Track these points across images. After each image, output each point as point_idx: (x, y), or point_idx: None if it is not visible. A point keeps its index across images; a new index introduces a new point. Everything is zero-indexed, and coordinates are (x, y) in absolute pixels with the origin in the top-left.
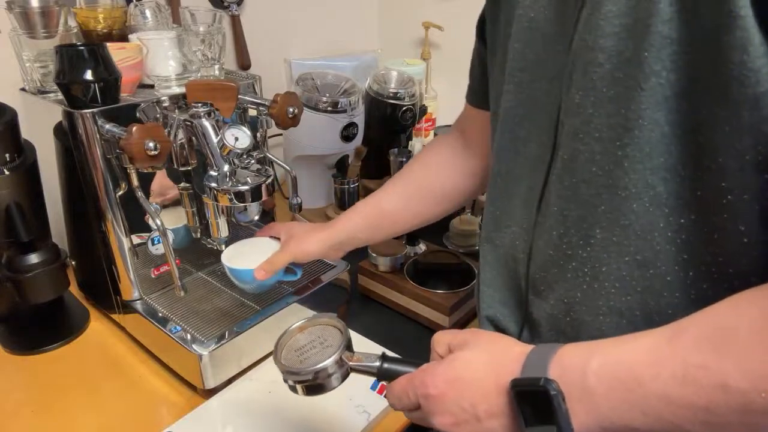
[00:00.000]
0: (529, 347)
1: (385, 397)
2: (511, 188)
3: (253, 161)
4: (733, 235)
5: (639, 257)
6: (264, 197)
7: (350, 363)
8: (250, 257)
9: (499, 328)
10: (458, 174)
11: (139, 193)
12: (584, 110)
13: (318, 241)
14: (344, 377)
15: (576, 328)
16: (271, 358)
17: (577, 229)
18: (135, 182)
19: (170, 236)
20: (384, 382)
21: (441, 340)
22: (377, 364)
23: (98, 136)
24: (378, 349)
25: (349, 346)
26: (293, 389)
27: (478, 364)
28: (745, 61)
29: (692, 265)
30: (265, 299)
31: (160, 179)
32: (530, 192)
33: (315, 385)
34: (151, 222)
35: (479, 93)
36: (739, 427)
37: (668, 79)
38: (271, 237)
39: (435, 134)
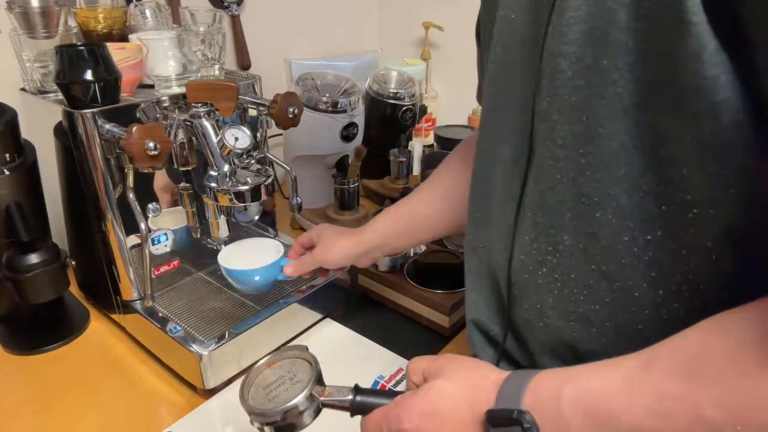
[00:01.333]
0: (504, 375)
1: None
2: (490, 191)
3: (253, 161)
4: (701, 251)
5: (604, 268)
6: (264, 197)
7: (321, 398)
8: (247, 257)
9: (484, 332)
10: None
11: (131, 195)
12: (550, 116)
13: (345, 248)
14: (317, 413)
15: (551, 334)
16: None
17: (546, 235)
18: (130, 183)
19: (170, 237)
20: (358, 415)
21: (416, 368)
22: (350, 397)
23: (98, 136)
24: (378, 349)
25: (320, 380)
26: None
27: (453, 394)
28: (700, 70)
29: (661, 283)
30: (265, 299)
31: (161, 179)
32: (507, 196)
33: (285, 426)
34: (142, 225)
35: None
36: None
37: (626, 88)
38: (268, 237)
39: (435, 134)
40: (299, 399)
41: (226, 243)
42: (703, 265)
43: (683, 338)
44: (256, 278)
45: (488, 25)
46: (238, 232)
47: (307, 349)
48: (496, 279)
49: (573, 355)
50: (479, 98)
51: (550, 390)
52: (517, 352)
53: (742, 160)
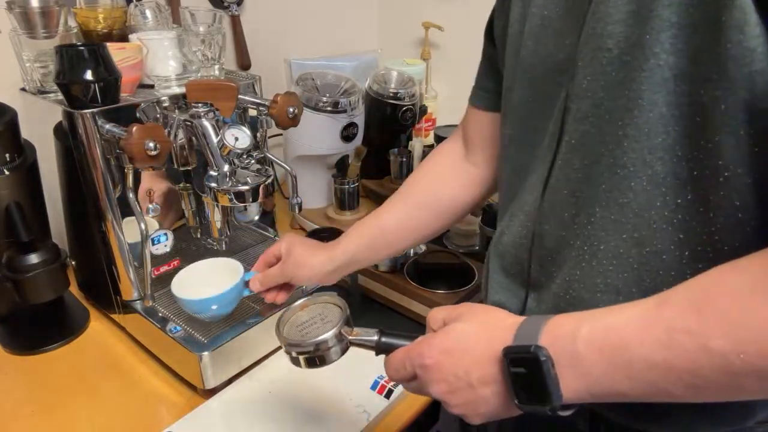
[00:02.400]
0: (522, 318)
1: (385, 370)
2: (526, 179)
3: (253, 161)
4: (729, 211)
5: (636, 235)
6: (264, 197)
7: (349, 337)
8: (204, 283)
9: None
10: (458, 185)
11: (131, 195)
12: (594, 94)
13: (315, 266)
14: (344, 351)
15: (575, 306)
16: (270, 358)
17: (578, 209)
18: (130, 183)
19: (170, 237)
20: (383, 355)
21: (436, 316)
22: (375, 338)
23: (98, 136)
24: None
25: (348, 322)
26: (296, 362)
27: (472, 334)
28: (742, 41)
29: (688, 245)
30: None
31: (156, 179)
32: (538, 179)
33: (316, 357)
34: (141, 225)
35: (484, 94)
36: (726, 390)
37: (667, 61)
38: (225, 258)
39: (435, 134)
40: (330, 334)
41: (225, 243)
42: (728, 225)
43: (696, 279)
44: (214, 307)
45: (511, 21)
46: (238, 232)
47: (337, 294)
48: (519, 260)
49: None
50: (474, 100)
51: (566, 329)
52: None
53: None
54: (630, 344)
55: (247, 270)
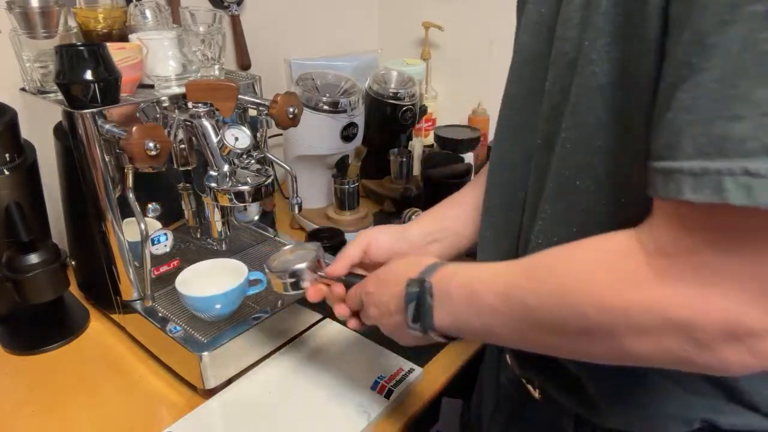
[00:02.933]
0: (430, 261)
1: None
2: (509, 176)
3: (253, 161)
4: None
5: (585, 231)
6: (264, 197)
7: (318, 273)
8: (208, 281)
9: None
10: None
11: (131, 195)
12: (554, 96)
13: (388, 231)
14: (315, 280)
15: None
16: (270, 358)
17: (534, 207)
18: (129, 183)
19: (170, 237)
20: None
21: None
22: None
23: (98, 136)
24: (377, 349)
25: (319, 262)
26: (282, 287)
27: (399, 268)
28: (658, 60)
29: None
30: (265, 299)
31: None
32: (521, 177)
33: (293, 282)
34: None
35: None
36: (533, 335)
37: (602, 68)
38: (229, 258)
39: (435, 134)
40: (302, 266)
41: (225, 243)
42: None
43: (546, 252)
44: (217, 306)
45: (519, 16)
46: (238, 233)
47: (320, 246)
48: (510, 249)
49: None
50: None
51: (449, 272)
52: None
53: None
54: (479, 293)
55: (250, 270)
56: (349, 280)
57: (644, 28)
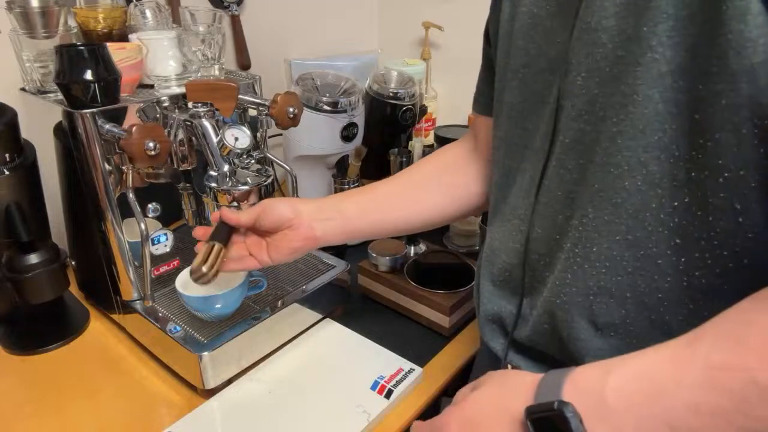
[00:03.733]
0: (541, 375)
1: None
2: (519, 183)
3: (253, 161)
4: (728, 214)
5: (630, 237)
6: (263, 197)
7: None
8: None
9: (497, 321)
10: (471, 173)
11: (131, 195)
12: (588, 90)
13: (307, 209)
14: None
15: (566, 310)
16: (270, 358)
17: (572, 210)
18: (130, 183)
19: (170, 237)
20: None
21: (462, 390)
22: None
23: (98, 136)
24: (378, 349)
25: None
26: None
27: (491, 399)
28: (743, 30)
29: (684, 249)
30: (265, 299)
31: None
32: (531, 182)
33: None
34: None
35: (483, 100)
36: None
37: (664, 54)
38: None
39: (435, 134)
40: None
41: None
42: (728, 229)
43: (726, 313)
44: (217, 306)
45: (502, 19)
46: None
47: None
48: (511, 267)
49: (592, 328)
50: (475, 107)
51: (592, 380)
52: (534, 336)
53: None
54: (666, 389)
55: (251, 271)
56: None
57: (723, 3)
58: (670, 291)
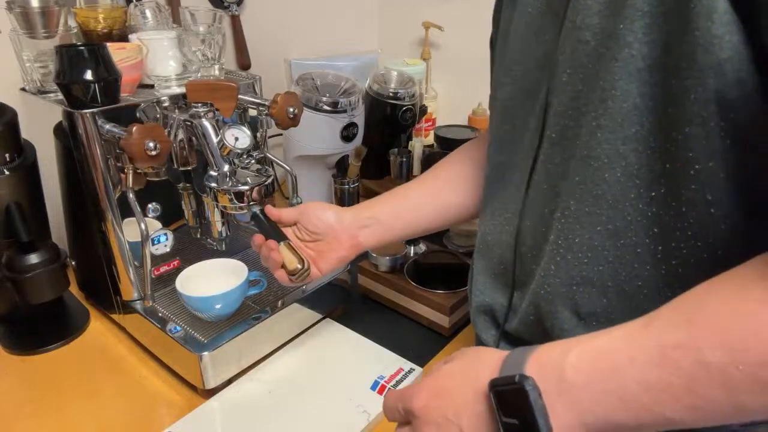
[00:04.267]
0: (508, 352)
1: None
2: (508, 178)
3: (253, 161)
4: (701, 206)
5: (610, 227)
6: (257, 199)
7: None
8: (208, 282)
9: (489, 312)
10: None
11: (131, 195)
12: (573, 87)
13: (341, 211)
14: None
15: (550, 301)
16: (270, 358)
17: (555, 203)
18: (130, 183)
19: (170, 237)
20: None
21: (435, 364)
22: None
23: (98, 136)
24: (378, 349)
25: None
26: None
27: (458, 372)
28: (710, 28)
29: (662, 239)
30: (265, 299)
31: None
32: (521, 177)
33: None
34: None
35: None
36: (728, 410)
37: (640, 51)
38: (228, 258)
39: (435, 134)
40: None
41: (225, 243)
42: (701, 221)
43: (683, 296)
44: (218, 306)
45: (503, 25)
46: (238, 233)
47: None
48: (503, 259)
49: (575, 318)
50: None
51: (553, 357)
52: (520, 327)
53: (741, 113)
54: (620, 366)
55: (251, 271)
56: (262, 223)
57: (691, 2)
58: (650, 279)
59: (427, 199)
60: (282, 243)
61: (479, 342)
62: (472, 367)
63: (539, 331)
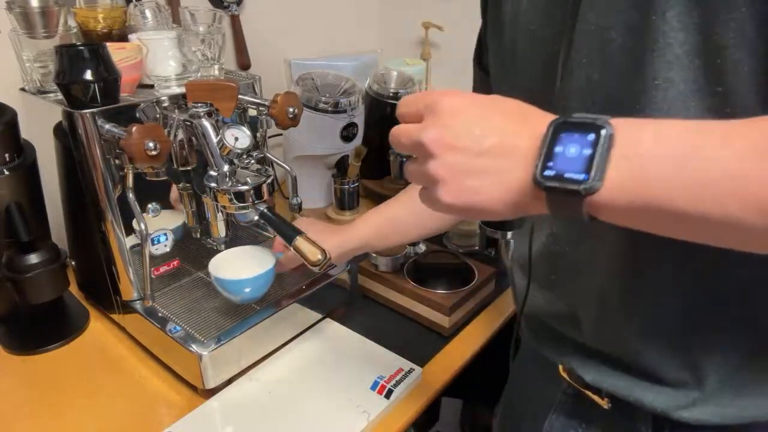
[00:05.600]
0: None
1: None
2: None
3: (252, 161)
4: None
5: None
6: (263, 197)
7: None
8: (238, 266)
9: (547, 324)
10: None
11: (131, 195)
12: (603, 86)
13: (332, 247)
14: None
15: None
16: (270, 358)
17: None
18: (130, 183)
19: (169, 237)
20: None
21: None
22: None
23: (98, 136)
24: (378, 349)
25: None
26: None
27: (508, 102)
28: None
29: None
30: (265, 299)
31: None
32: None
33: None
34: (136, 225)
35: None
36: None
37: (676, 38)
38: (259, 246)
39: None
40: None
41: (225, 243)
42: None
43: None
44: (247, 289)
45: (497, 26)
46: (238, 233)
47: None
48: (550, 269)
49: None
50: None
51: (635, 122)
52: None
53: None
54: (690, 143)
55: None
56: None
57: None
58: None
59: (409, 219)
60: (298, 237)
61: (532, 353)
62: (525, 107)
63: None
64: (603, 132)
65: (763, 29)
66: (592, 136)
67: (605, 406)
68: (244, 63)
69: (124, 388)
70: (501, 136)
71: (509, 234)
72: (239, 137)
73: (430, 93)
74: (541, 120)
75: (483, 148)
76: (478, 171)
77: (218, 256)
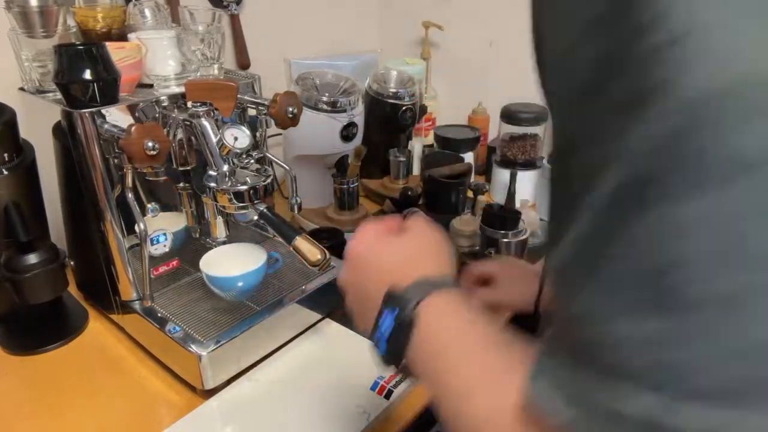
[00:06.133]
0: (442, 276)
1: None
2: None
3: (252, 161)
4: None
5: None
6: (263, 197)
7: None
8: (229, 263)
9: None
10: None
11: (130, 195)
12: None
13: (525, 294)
14: None
15: None
16: (270, 358)
17: None
18: (129, 183)
19: (169, 237)
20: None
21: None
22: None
23: (97, 135)
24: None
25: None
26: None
27: (380, 264)
28: None
29: None
30: (265, 299)
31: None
32: None
33: None
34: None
35: None
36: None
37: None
38: (249, 243)
39: (435, 134)
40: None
41: (225, 243)
42: None
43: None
44: (239, 284)
45: None
46: (237, 233)
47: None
48: None
49: None
50: None
51: (438, 304)
52: None
53: None
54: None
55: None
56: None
57: None
58: None
59: None
60: (297, 237)
61: None
62: (411, 261)
63: None
64: (407, 316)
65: None
66: (400, 323)
67: None
68: (243, 62)
69: (123, 388)
70: (372, 286)
71: (509, 234)
72: (239, 137)
73: (351, 241)
74: (410, 276)
75: (363, 295)
76: (363, 311)
77: (210, 253)
